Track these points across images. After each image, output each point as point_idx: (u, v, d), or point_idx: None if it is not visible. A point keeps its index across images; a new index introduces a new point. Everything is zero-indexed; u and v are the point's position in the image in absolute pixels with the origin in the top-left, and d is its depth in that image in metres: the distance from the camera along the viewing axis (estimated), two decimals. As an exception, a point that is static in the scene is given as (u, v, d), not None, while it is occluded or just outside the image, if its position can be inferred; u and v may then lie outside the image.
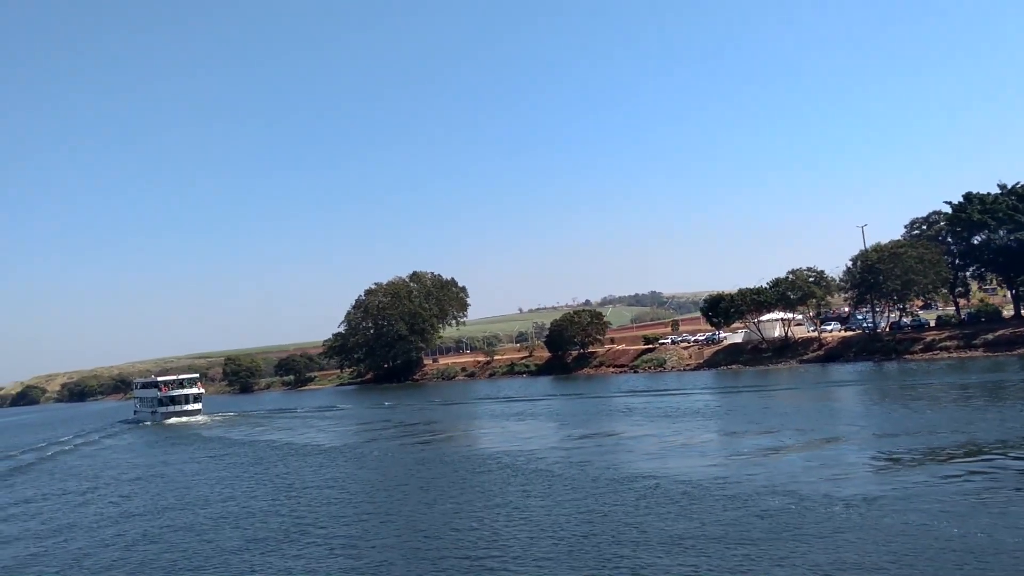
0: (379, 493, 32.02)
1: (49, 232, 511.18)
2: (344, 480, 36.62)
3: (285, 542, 24.64)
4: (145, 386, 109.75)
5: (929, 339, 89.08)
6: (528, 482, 31.25)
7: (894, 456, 30.57)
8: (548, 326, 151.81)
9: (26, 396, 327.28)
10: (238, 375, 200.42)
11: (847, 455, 31.98)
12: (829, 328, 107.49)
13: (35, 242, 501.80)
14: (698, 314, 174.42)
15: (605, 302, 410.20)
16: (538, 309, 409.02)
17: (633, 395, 73.72)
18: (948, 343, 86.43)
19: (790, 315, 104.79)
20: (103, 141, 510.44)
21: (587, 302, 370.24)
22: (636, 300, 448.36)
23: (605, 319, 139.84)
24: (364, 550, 22.73)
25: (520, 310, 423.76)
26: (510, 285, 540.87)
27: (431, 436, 53.59)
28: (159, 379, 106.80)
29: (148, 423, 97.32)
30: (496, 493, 29.48)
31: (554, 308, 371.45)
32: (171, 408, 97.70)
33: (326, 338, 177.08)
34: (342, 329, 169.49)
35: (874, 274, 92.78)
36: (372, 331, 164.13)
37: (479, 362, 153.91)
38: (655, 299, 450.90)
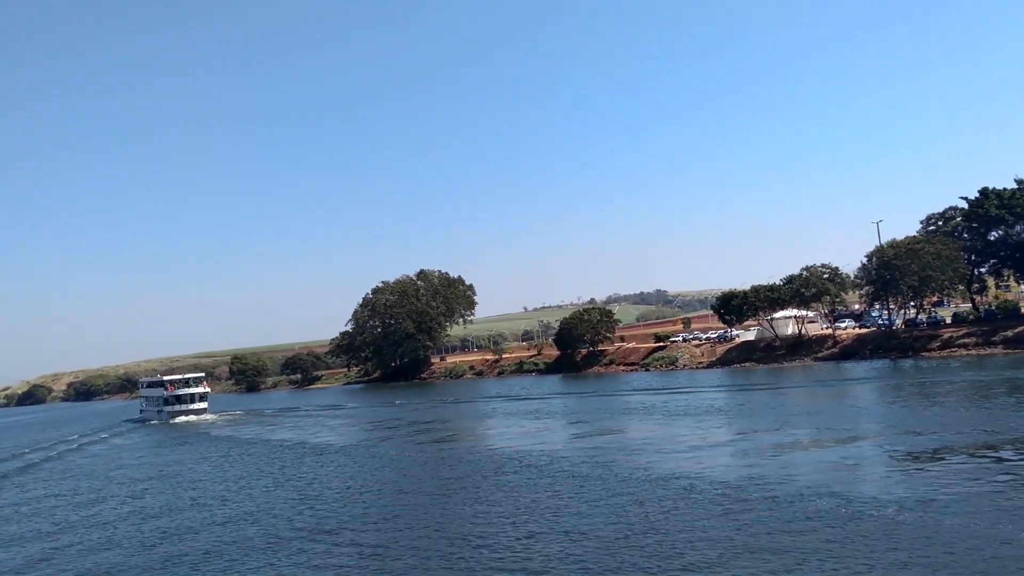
0: (403, 494, 31.00)
1: (51, 232, 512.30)
2: (365, 480, 35.64)
3: (311, 543, 23.67)
4: (151, 385, 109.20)
5: (947, 336, 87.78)
6: (556, 482, 30.21)
7: (936, 456, 29.42)
8: (553, 325, 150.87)
9: (32, 395, 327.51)
10: (244, 374, 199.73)
11: (884, 455, 30.91)
12: (843, 325, 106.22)
13: (37, 242, 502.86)
14: (706, 312, 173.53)
15: (610, 300, 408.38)
16: (543, 308, 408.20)
17: (648, 393, 72.62)
18: (966, 340, 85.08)
19: (803, 312, 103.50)
20: (103, 141, 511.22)
21: (592, 300, 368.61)
22: (641, 298, 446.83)
23: (615, 317, 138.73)
24: (396, 553, 21.72)
25: (525, 309, 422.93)
26: (514, 284, 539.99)
27: (447, 435, 52.60)
28: (165, 378, 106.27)
29: (154, 422, 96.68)
30: (524, 494, 28.45)
31: (559, 307, 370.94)
32: (177, 407, 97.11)
33: (332, 337, 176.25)
34: (349, 328, 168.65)
35: (890, 270, 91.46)
36: (379, 329, 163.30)
37: (487, 360, 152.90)
38: (660, 297, 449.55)
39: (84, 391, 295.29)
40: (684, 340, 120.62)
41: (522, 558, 20.13)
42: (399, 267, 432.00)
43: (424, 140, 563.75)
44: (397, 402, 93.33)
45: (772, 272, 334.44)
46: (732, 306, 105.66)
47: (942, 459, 28.51)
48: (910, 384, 60.03)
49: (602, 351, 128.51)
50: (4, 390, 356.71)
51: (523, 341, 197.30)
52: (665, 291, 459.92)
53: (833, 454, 31.78)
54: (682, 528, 21.54)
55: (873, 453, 31.63)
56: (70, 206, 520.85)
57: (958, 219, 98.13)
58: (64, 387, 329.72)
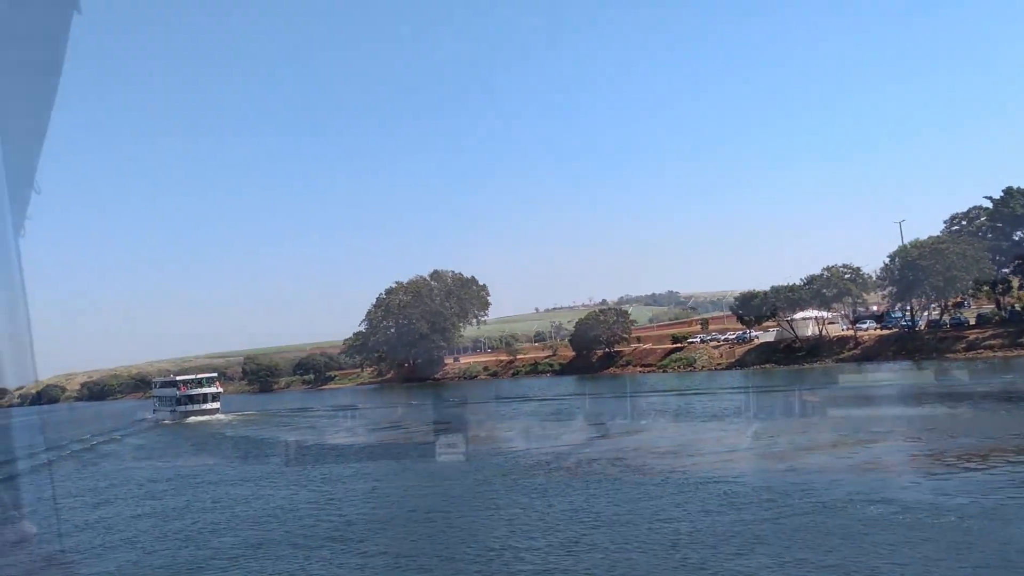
0: (429, 498, 30.05)
1: (57, 231, 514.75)
2: (389, 482, 34.75)
3: (340, 552, 22.74)
4: (164, 385, 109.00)
5: (972, 338, 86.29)
6: (589, 486, 29.19)
7: (985, 460, 28.21)
8: (565, 326, 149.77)
9: (46, 395, 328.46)
10: (257, 374, 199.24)
11: (926, 458, 29.87)
12: (864, 327, 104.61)
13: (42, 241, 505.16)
14: (720, 313, 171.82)
15: (622, 301, 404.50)
16: (555, 309, 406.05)
17: (668, 395, 71.58)
18: (992, 342, 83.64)
19: (824, 313, 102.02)
20: (111, 136, 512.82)
21: (604, 301, 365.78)
22: (653, 299, 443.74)
23: (631, 318, 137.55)
24: (430, 562, 20.77)
25: (536, 310, 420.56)
26: (524, 285, 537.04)
27: (468, 436, 51.55)
28: (178, 378, 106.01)
29: (168, 422, 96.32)
30: (558, 498, 27.41)
31: (571, 308, 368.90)
32: (190, 407, 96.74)
33: (345, 337, 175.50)
34: (363, 328, 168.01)
35: (915, 271, 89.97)
36: (393, 330, 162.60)
37: (501, 361, 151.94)
38: (672, 299, 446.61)
39: (97, 391, 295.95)
40: (702, 341, 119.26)
41: (568, 568, 19.10)
42: (412, 267, 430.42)
43: (431, 142, 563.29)
44: (413, 402, 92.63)
45: (787, 273, 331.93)
46: (752, 307, 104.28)
47: (992, 464, 27.35)
48: (938, 387, 58.77)
49: (618, 352, 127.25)
50: (18, 389, 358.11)
51: (536, 342, 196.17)
52: (677, 292, 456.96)
53: (873, 457, 30.73)
54: (731, 535, 20.51)
55: (914, 457, 30.58)
56: (76, 204, 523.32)
57: (982, 219, 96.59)
58: (78, 387, 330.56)
